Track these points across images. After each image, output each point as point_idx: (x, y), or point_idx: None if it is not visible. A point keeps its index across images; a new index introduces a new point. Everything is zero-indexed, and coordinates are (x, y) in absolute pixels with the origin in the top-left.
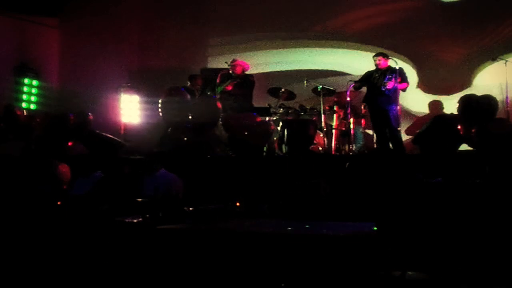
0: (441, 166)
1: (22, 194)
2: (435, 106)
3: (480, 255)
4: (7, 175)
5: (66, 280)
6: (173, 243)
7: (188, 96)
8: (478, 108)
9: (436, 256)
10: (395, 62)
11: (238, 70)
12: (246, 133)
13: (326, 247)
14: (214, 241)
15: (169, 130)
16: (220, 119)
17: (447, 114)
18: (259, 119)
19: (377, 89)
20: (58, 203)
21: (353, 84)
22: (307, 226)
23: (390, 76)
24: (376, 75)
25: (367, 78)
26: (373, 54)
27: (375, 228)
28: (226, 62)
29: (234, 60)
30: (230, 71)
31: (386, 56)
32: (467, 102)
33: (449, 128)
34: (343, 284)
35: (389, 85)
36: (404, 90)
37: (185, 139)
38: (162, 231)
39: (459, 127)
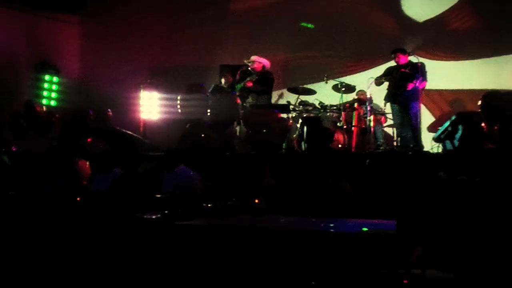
0: (464, 164)
1: (42, 190)
2: (457, 103)
3: (505, 254)
4: (29, 172)
5: (84, 275)
6: (192, 239)
7: (208, 93)
8: (502, 104)
9: (461, 255)
10: (416, 58)
11: (258, 67)
12: (265, 130)
13: (345, 245)
14: (232, 238)
15: (187, 126)
16: (240, 115)
17: (470, 111)
18: (280, 115)
19: (397, 89)
20: (78, 199)
21: (374, 81)
22: (325, 223)
23: (411, 77)
24: (397, 72)
25: (388, 75)
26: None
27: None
28: (245, 60)
29: (252, 58)
30: (250, 69)
31: (404, 52)
32: (490, 99)
33: (472, 126)
34: (363, 282)
35: (409, 86)
36: (423, 89)
37: (203, 135)
38: (181, 227)
39: (482, 124)
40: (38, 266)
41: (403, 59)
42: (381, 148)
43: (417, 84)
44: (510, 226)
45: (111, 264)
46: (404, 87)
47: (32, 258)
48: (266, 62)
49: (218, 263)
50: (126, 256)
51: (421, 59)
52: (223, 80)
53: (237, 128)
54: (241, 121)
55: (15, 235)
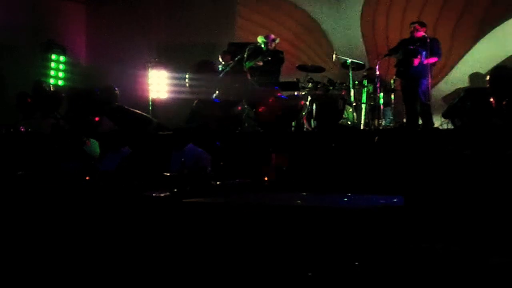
0: (473, 139)
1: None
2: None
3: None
4: (36, 152)
5: (94, 250)
6: (198, 216)
7: (218, 69)
8: (510, 79)
9: (467, 228)
10: (425, 35)
11: (272, 45)
12: (272, 109)
13: (353, 220)
14: (239, 215)
15: (194, 103)
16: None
17: (478, 87)
18: (279, 93)
19: (403, 65)
20: (87, 178)
21: (387, 54)
22: (334, 199)
23: (416, 53)
24: (405, 48)
25: (397, 51)
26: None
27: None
28: (259, 38)
29: (271, 36)
30: (263, 46)
31: (422, 25)
32: (498, 74)
33: (480, 101)
34: (371, 257)
35: (415, 62)
36: (434, 64)
37: (211, 113)
38: (188, 204)
39: (491, 99)
40: (46, 244)
41: (419, 33)
42: (391, 125)
43: (422, 59)
44: None
45: (120, 242)
46: (410, 63)
47: (40, 237)
48: (277, 40)
49: (225, 240)
50: (135, 234)
51: None
52: (220, 59)
53: (246, 106)
54: (245, 100)
55: (24, 215)
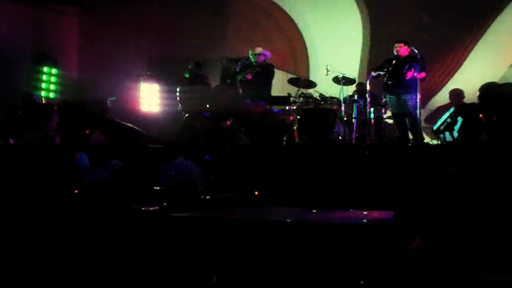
0: (463, 155)
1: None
2: (456, 94)
3: (501, 242)
4: (25, 165)
5: (82, 265)
6: (186, 231)
7: (209, 82)
8: (499, 96)
9: (457, 244)
10: (415, 51)
11: (261, 59)
12: (263, 123)
13: (343, 236)
14: (227, 230)
15: (184, 117)
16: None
17: (468, 103)
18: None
19: (396, 78)
20: (76, 191)
21: (373, 73)
22: (324, 214)
23: (409, 66)
24: (395, 62)
25: (386, 66)
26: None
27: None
28: (250, 51)
29: (259, 49)
30: (252, 60)
31: (407, 44)
32: (487, 90)
33: (470, 117)
34: (361, 273)
35: (408, 75)
36: (423, 79)
37: (198, 127)
38: (176, 219)
39: (480, 115)
40: (35, 258)
41: (404, 51)
42: (382, 140)
43: (415, 74)
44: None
45: (108, 255)
46: (402, 75)
47: (29, 251)
48: (268, 54)
49: (214, 255)
50: (123, 247)
51: None
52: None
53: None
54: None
55: (11, 228)
